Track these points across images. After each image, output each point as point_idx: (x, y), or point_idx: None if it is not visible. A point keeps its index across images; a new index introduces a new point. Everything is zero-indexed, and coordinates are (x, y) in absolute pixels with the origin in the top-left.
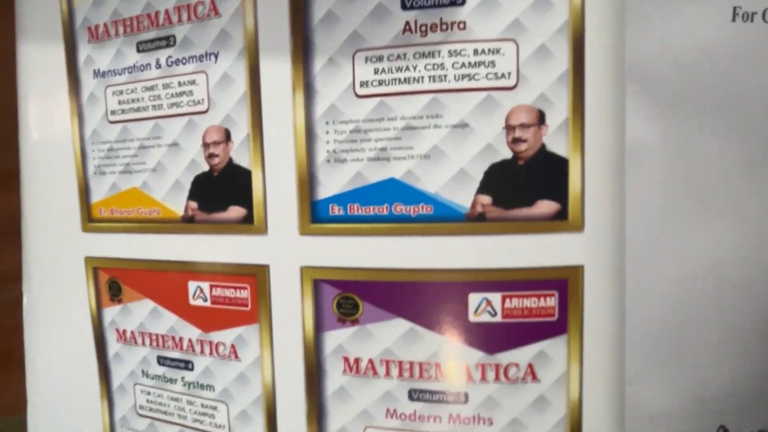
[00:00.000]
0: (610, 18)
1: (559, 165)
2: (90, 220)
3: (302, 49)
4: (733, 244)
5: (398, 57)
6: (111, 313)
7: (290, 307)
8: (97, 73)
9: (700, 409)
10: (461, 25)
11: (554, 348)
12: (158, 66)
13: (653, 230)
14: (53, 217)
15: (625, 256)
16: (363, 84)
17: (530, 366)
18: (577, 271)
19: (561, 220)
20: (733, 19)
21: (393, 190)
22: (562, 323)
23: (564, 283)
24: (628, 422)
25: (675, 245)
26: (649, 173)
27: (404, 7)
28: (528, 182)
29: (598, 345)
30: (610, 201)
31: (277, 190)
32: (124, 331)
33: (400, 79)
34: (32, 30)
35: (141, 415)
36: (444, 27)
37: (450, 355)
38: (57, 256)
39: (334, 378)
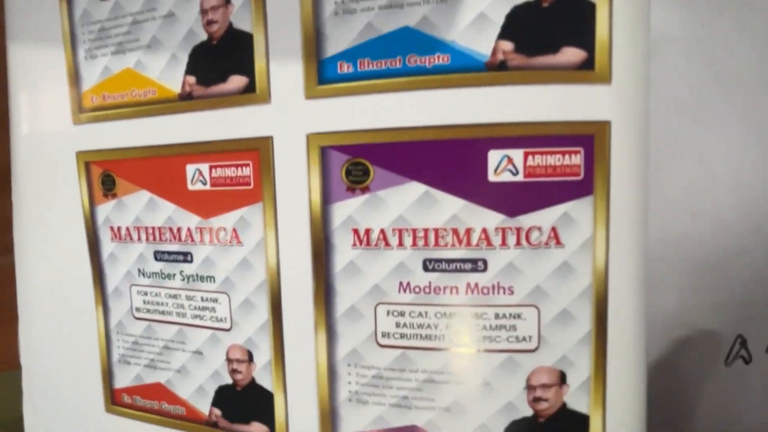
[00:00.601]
0: None
1: (587, 9)
2: (81, 110)
3: None
4: (752, 144)
5: None
6: (105, 210)
7: (296, 180)
8: None
9: (718, 317)
10: None
11: (579, 210)
12: None
13: (676, 124)
14: (42, 113)
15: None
16: None
17: (554, 229)
18: (603, 126)
19: (588, 70)
20: None
21: (407, 40)
22: (587, 183)
23: (590, 139)
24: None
25: (696, 140)
26: (672, 62)
27: None
28: (553, 26)
29: (624, 208)
30: (638, 53)
31: (280, 52)
32: (119, 228)
33: None
34: None
35: (138, 318)
36: None
37: (468, 219)
38: (46, 155)
39: (343, 253)
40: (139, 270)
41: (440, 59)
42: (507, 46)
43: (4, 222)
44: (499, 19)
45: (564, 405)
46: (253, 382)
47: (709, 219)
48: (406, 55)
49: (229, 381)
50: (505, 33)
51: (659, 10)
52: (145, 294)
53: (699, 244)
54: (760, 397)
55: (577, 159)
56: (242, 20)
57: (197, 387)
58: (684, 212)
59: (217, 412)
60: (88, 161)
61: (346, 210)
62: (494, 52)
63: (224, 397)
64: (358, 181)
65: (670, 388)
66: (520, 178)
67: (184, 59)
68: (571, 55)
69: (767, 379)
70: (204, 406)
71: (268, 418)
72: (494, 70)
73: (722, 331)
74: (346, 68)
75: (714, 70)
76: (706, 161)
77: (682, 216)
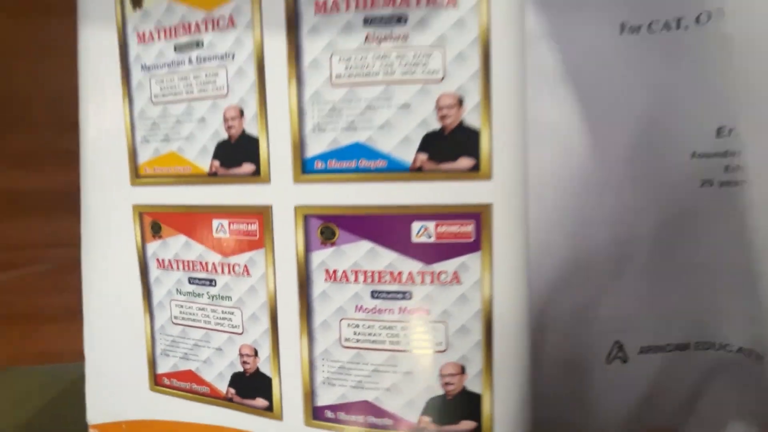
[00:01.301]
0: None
1: (474, 134)
2: (137, 176)
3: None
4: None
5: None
6: (153, 246)
7: (287, 235)
8: (144, 67)
9: (598, 327)
10: None
11: (472, 261)
12: (190, 62)
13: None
14: (107, 177)
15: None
16: (338, 76)
17: (455, 273)
18: (488, 206)
19: (476, 172)
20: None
21: (359, 150)
22: (477, 243)
23: (479, 215)
24: (533, 334)
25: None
26: (551, 153)
27: None
28: (452, 145)
29: (504, 259)
30: (512, 160)
31: (277, 152)
32: (163, 260)
33: (362, 74)
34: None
35: (175, 324)
36: None
37: (399, 265)
38: (110, 206)
39: (319, 285)
40: (177, 290)
41: (380, 163)
42: (423, 156)
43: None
44: (417, 140)
45: (464, 387)
46: (258, 370)
47: (589, 239)
48: (359, 159)
49: (240, 369)
50: (421, 148)
51: (542, 104)
52: (181, 307)
53: (580, 264)
54: (637, 390)
55: (470, 228)
56: (252, 128)
57: (218, 373)
58: (564, 232)
59: (232, 391)
60: (141, 212)
61: (321, 257)
62: (415, 160)
63: (237, 380)
64: (328, 238)
65: (564, 381)
66: (433, 240)
67: (211, 149)
68: (465, 163)
69: (641, 375)
70: (223, 386)
71: (268, 395)
72: (415, 171)
73: (602, 337)
74: (320, 165)
75: (592, 162)
76: (585, 192)
77: (563, 235)
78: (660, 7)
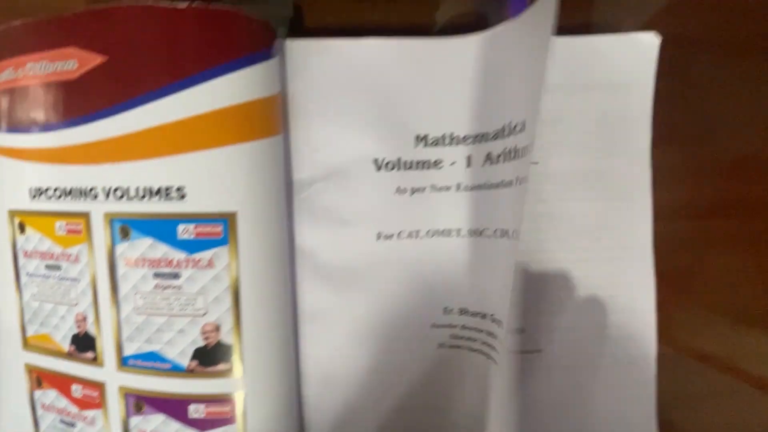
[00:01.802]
0: None
1: (229, 348)
2: (26, 344)
3: None
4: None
5: None
6: (38, 393)
7: (115, 403)
8: (27, 274)
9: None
10: None
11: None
12: (54, 278)
13: None
14: (10, 340)
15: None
16: (139, 307)
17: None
18: (241, 403)
19: (229, 373)
20: None
21: (154, 356)
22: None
23: (233, 401)
24: None
25: None
26: None
27: None
28: (213, 356)
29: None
30: (257, 359)
31: (107, 349)
32: (44, 404)
33: (154, 308)
34: None
35: None
36: None
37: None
38: (11, 360)
39: None
40: (54, 426)
41: (167, 365)
42: (194, 363)
43: None
44: (190, 352)
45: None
46: None
47: None
48: (155, 361)
49: None
50: (193, 357)
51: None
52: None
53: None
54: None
55: (228, 407)
56: (92, 329)
57: None
58: None
59: None
60: (30, 369)
61: (136, 421)
62: (189, 365)
63: None
64: (139, 409)
65: None
66: (204, 416)
67: (69, 338)
68: (222, 366)
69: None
70: None
71: None
72: (189, 372)
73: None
74: (132, 362)
75: None
76: None
77: None
78: None
